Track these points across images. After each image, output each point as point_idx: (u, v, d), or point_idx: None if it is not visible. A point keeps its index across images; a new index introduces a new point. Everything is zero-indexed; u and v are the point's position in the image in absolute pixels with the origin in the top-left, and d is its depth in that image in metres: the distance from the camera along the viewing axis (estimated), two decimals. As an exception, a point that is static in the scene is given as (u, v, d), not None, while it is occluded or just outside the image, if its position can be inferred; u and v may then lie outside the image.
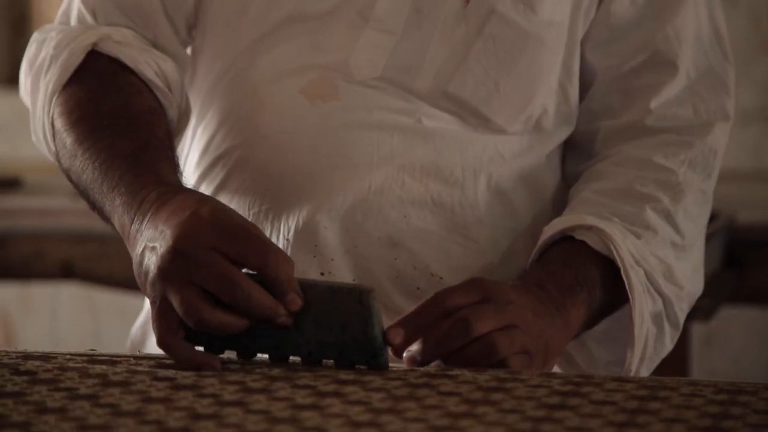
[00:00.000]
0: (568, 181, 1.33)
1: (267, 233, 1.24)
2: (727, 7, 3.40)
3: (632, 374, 1.21)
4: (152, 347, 1.23)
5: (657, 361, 1.25)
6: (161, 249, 1.06)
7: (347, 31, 1.24)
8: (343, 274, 1.24)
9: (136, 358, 1.11)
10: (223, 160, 1.28)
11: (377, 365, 1.07)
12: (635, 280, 1.20)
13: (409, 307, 1.15)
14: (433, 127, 1.25)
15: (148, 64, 1.26)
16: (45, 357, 1.10)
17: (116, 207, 1.15)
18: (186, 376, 1.04)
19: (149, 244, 1.08)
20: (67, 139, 1.23)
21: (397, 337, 1.08)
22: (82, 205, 1.25)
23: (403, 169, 1.24)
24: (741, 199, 2.72)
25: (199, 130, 1.31)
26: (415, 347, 1.10)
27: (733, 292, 2.25)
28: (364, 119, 1.24)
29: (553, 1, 1.25)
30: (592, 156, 1.31)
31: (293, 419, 0.94)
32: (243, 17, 1.27)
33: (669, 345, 1.25)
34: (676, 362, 2.01)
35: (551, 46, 1.26)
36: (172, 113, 1.28)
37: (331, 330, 1.07)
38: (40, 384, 1.02)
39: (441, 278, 1.25)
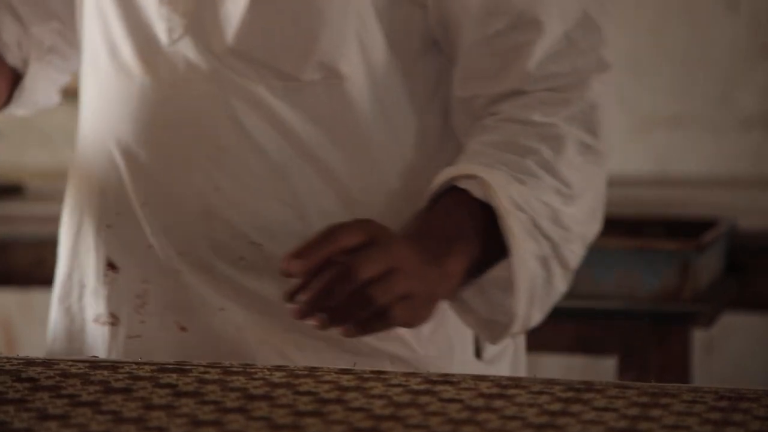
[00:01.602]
0: None
1: (96, 209, 1.31)
2: (728, 13, 3.41)
3: (519, 318, 1.22)
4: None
5: (550, 303, 1.25)
6: None
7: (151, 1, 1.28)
8: (165, 247, 1.26)
9: (137, 363, 1.11)
10: (84, 133, 1.35)
11: None
12: (514, 225, 1.20)
13: (239, 277, 1.23)
14: (234, 93, 1.26)
15: None
16: (47, 363, 1.10)
17: None
18: (188, 383, 1.04)
19: None
20: None
21: (294, 267, 1.12)
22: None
23: (208, 141, 1.27)
24: (742, 205, 2.72)
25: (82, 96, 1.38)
26: (301, 298, 1.12)
27: (735, 299, 2.25)
28: (170, 93, 1.27)
29: None
30: (479, 118, 1.29)
31: (295, 426, 0.94)
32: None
33: (561, 287, 1.25)
34: (677, 368, 2.01)
35: None
36: (15, 62, 1.40)
37: None
38: (42, 391, 1.02)
39: (261, 245, 1.26)
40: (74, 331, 1.32)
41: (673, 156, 3.45)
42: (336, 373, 1.09)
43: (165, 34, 1.28)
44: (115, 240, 1.29)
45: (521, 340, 1.40)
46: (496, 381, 1.07)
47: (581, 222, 1.26)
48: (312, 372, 1.09)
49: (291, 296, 1.13)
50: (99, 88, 1.32)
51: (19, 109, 1.44)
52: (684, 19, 3.44)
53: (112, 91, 1.31)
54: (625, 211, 2.47)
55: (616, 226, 2.33)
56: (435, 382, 1.06)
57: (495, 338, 1.25)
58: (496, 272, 1.23)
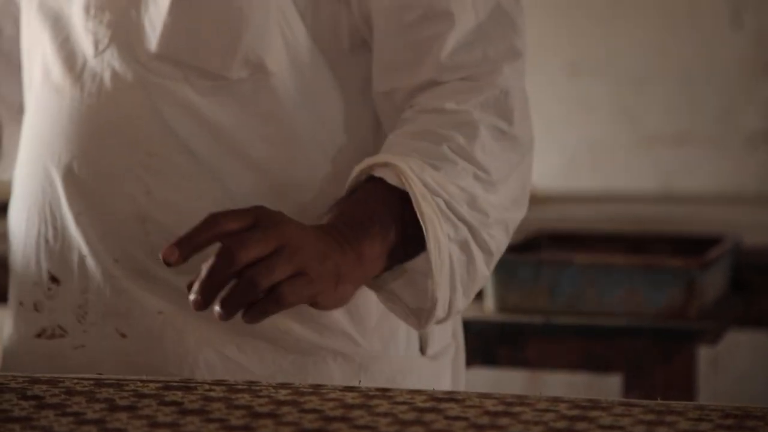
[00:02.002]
0: None
1: (35, 224, 1.31)
2: (732, 30, 3.41)
3: (441, 302, 1.21)
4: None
5: (476, 288, 1.25)
6: None
7: (81, 11, 1.30)
8: (102, 255, 1.27)
9: (142, 381, 1.11)
10: (26, 131, 1.36)
11: None
12: (428, 210, 1.20)
13: (176, 279, 1.23)
14: (160, 96, 1.27)
15: None
16: (52, 381, 1.10)
17: None
18: (193, 401, 1.04)
19: None
20: None
21: (172, 256, 1.11)
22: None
23: (137, 146, 1.27)
24: (747, 223, 2.72)
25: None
26: (194, 288, 1.11)
27: (740, 316, 2.24)
28: (98, 101, 1.28)
29: None
30: (399, 114, 1.30)
31: (300, 444, 0.93)
32: (27, 25, 1.36)
33: (485, 270, 1.25)
34: (682, 386, 2.01)
35: None
36: None
37: None
38: (47, 409, 1.02)
39: None
40: (12, 351, 1.33)
41: (678, 173, 3.45)
42: (341, 390, 1.09)
43: (91, 47, 1.29)
44: (54, 253, 1.30)
45: (461, 339, 1.41)
46: (502, 398, 1.07)
47: (502, 207, 1.26)
48: (317, 389, 1.09)
49: (189, 288, 1.12)
50: (35, 109, 1.34)
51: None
52: (689, 35, 3.45)
53: (45, 110, 1.32)
54: (629, 228, 2.47)
55: (620, 242, 2.33)
56: (440, 400, 1.06)
57: (421, 324, 1.24)
58: (421, 258, 1.22)
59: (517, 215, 1.28)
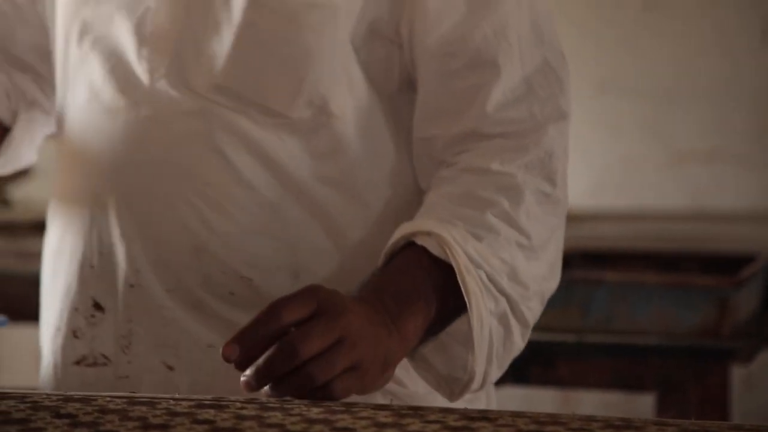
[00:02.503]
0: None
1: (80, 249, 1.30)
2: (762, 46, 3.40)
3: (479, 375, 1.21)
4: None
5: (509, 360, 1.25)
6: None
7: (133, 37, 1.28)
8: (152, 285, 1.26)
9: (175, 399, 1.11)
10: (56, 183, 1.35)
11: None
12: (471, 283, 1.20)
13: (228, 312, 1.22)
14: (219, 128, 1.26)
15: None
16: (85, 399, 1.10)
17: None
18: (225, 419, 1.04)
19: None
20: None
21: (233, 354, 1.10)
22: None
23: (194, 177, 1.26)
24: (780, 240, 2.70)
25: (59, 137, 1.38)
26: (249, 372, 1.11)
27: (774, 334, 2.23)
28: (152, 129, 1.27)
29: None
30: (438, 163, 1.30)
31: (333, 462, 0.93)
32: (65, 45, 1.34)
33: (520, 343, 1.25)
34: (716, 405, 2.00)
35: (316, 29, 1.26)
36: (4, 114, 1.39)
37: None
38: (81, 427, 1.02)
39: (251, 280, 1.26)
40: (50, 376, 1.32)
41: (709, 190, 3.43)
42: (373, 408, 1.09)
43: (146, 75, 1.28)
44: (99, 280, 1.29)
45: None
46: (534, 418, 1.06)
47: (540, 278, 1.26)
48: (349, 408, 1.09)
49: (241, 366, 1.11)
50: (81, 129, 1.32)
51: (1, 168, 1.42)
52: (718, 53, 3.44)
53: (94, 131, 1.30)
54: (660, 246, 2.46)
55: (651, 261, 2.32)
56: (473, 419, 1.05)
57: (454, 396, 1.23)
58: (455, 326, 1.22)
59: (552, 285, 1.29)
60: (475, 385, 1.22)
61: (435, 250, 1.20)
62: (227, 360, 1.10)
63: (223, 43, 1.26)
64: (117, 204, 1.28)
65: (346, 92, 1.27)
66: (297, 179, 1.27)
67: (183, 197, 1.26)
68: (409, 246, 1.22)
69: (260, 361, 1.10)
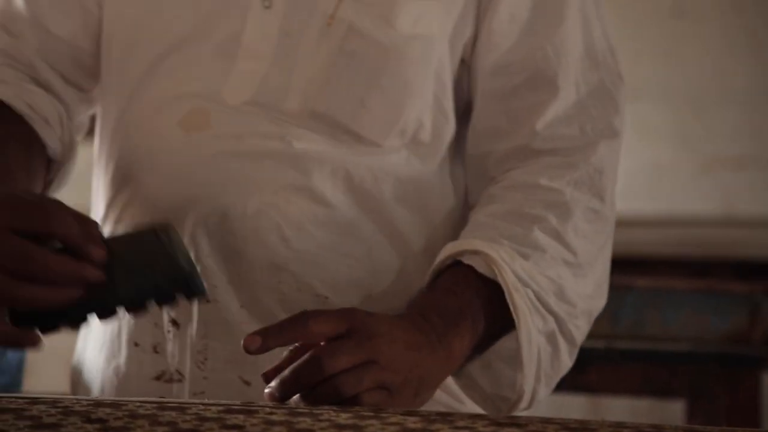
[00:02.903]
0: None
1: None
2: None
3: (527, 394, 1.21)
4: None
5: (556, 379, 1.25)
6: None
7: (218, 58, 1.27)
8: (228, 300, 1.26)
9: (204, 404, 1.12)
10: (120, 196, 1.33)
11: (193, 292, 1.11)
12: (520, 302, 1.20)
13: None
14: (303, 149, 1.26)
15: (19, 97, 1.31)
16: (115, 404, 1.11)
17: None
18: (254, 424, 1.05)
19: None
20: None
21: (253, 345, 1.10)
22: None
23: (276, 194, 1.26)
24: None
25: (108, 168, 1.35)
26: (274, 383, 1.11)
27: (806, 341, 2.21)
28: (235, 147, 1.26)
29: (415, 16, 1.26)
30: (489, 180, 1.31)
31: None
32: (129, 57, 1.31)
33: (568, 361, 1.25)
34: (747, 413, 1.99)
35: (416, 60, 1.26)
36: (53, 143, 1.33)
37: (143, 273, 1.11)
38: None
39: (327, 298, 1.26)
40: (127, 390, 1.32)
41: (740, 196, 3.42)
42: (401, 414, 1.09)
43: (231, 93, 1.27)
44: None
45: None
46: (564, 424, 1.06)
47: (588, 297, 1.26)
48: (377, 413, 1.09)
49: (267, 378, 1.12)
50: (144, 144, 1.29)
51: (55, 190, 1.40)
52: (749, 59, 3.42)
53: (164, 147, 1.28)
54: (691, 252, 2.45)
55: (682, 267, 2.31)
56: (502, 425, 1.05)
57: (501, 414, 1.23)
58: (501, 344, 1.22)
59: (600, 303, 1.29)
60: (524, 404, 1.22)
61: (482, 268, 1.20)
62: (246, 349, 1.11)
63: (318, 70, 1.25)
64: (195, 220, 1.27)
65: (435, 119, 1.28)
66: (377, 200, 1.27)
67: (263, 214, 1.26)
68: (455, 265, 1.22)
69: (286, 372, 1.11)
